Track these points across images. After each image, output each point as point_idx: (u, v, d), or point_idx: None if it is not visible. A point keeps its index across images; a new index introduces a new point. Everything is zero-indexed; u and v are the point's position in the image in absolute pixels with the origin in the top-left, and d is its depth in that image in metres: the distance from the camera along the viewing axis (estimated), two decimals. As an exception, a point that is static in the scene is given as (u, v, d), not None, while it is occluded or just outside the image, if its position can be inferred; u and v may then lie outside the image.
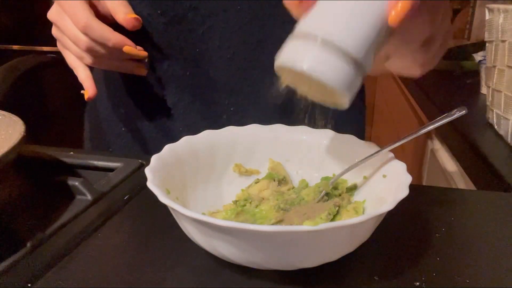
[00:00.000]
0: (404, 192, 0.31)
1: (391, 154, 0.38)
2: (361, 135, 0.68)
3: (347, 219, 0.28)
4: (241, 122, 0.46)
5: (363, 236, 0.32)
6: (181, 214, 0.29)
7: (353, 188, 0.40)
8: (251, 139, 0.43)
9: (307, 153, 0.43)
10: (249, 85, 0.58)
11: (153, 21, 0.54)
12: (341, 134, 0.42)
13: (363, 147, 0.40)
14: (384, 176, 0.37)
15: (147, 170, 0.34)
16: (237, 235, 0.28)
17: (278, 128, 0.44)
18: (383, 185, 0.36)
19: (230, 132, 0.43)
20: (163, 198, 0.30)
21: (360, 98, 0.72)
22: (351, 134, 0.42)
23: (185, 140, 0.40)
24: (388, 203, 0.30)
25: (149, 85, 0.58)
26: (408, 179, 0.34)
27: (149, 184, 0.32)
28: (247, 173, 0.43)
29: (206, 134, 0.42)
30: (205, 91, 0.57)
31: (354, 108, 0.70)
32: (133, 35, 0.53)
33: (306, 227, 0.27)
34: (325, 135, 0.43)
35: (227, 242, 0.29)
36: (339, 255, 0.32)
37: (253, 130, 0.43)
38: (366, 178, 0.39)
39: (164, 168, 0.36)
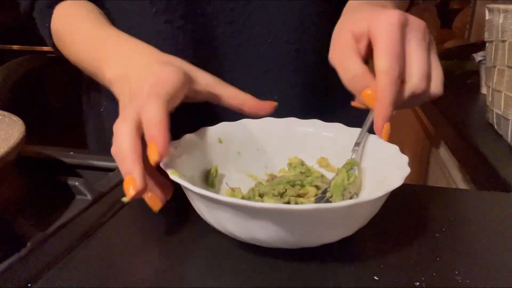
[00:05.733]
0: (406, 170, 0.33)
1: (378, 138, 0.39)
2: None
3: (367, 195, 0.31)
4: (280, 113, 0.45)
5: (373, 212, 0.34)
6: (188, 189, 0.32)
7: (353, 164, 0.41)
8: (265, 133, 0.45)
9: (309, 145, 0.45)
10: (292, 70, 0.56)
11: (194, 23, 0.52)
12: (348, 127, 0.44)
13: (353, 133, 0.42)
14: (379, 159, 0.39)
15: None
16: (245, 211, 0.30)
17: (290, 122, 0.46)
18: (380, 167, 0.38)
19: (243, 125, 0.45)
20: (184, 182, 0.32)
21: None
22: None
23: (203, 131, 0.43)
24: (396, 179, 0.32)
25: None
26: (404, 158, 0.36)
27: (162, 164, 0.34)
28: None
29: (222, 126, 0.44)
30: (245, 83, 0.53)
31: None
32: (172, 39, 0.51)
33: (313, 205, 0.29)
34: (332, 128, 0.45)
35: (232, 216, 0.31)
36: (353, 230, 0.33)
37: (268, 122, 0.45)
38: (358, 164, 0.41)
39: (179, 156, 0.38)
